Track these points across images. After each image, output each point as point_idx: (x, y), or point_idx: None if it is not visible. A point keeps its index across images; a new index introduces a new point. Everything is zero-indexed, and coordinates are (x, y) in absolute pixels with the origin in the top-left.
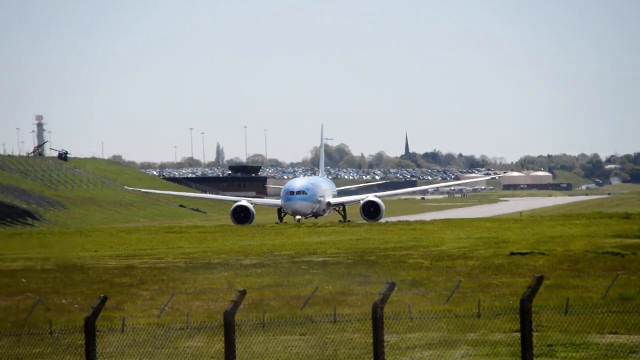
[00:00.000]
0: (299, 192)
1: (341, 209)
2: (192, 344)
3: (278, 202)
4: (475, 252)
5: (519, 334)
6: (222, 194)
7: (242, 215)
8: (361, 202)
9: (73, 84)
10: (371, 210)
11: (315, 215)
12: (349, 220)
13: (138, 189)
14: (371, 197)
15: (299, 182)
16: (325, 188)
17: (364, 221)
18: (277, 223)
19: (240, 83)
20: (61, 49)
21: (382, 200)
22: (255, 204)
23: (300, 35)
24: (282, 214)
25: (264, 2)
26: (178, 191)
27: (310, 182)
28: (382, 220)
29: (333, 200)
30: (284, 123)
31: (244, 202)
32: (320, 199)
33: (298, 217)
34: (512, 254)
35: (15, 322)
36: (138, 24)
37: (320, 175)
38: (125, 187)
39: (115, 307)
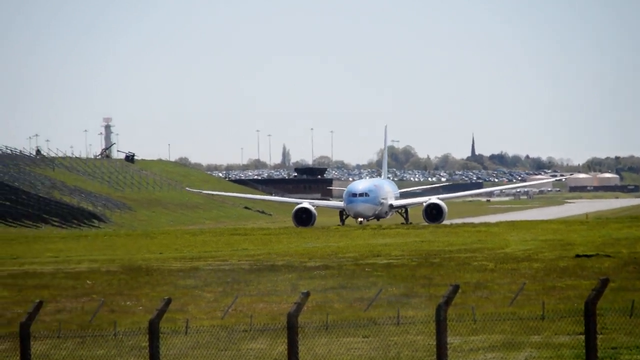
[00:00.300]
0: (361, 194)
1: (403, 211)
2: (255, 345)
3: (340, 204)
4: (540, 255)
5: (583, 337)
6: (288, 196)
7: (303, 217)
8: (424, 204)
9: (141, 86)
10: (434, 213)
11: (378, 217)
12: (410, 223)
13: (200, 191)
14: (434, 199)
15: (361, 184)
16: (387, 190)
17: (427, 223)
18: (339, 225)
19: (307, 85)
20: (130, 52)
21: (445, 203)
22: (317, 206)
23: (361, 37)
24: (344, 216)
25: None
26: (242, 193)
27: (373, 184)
28: (446, 222)
29: (395, 203)
30: (350, 125)
31: (305, 204)
32: (382, 201)
33: (360, 219)
34: (578, 256)
35: (80, 324)
36: (196, 27)
37: (383, 177)
38: (187, 188)
39: (179, 309)
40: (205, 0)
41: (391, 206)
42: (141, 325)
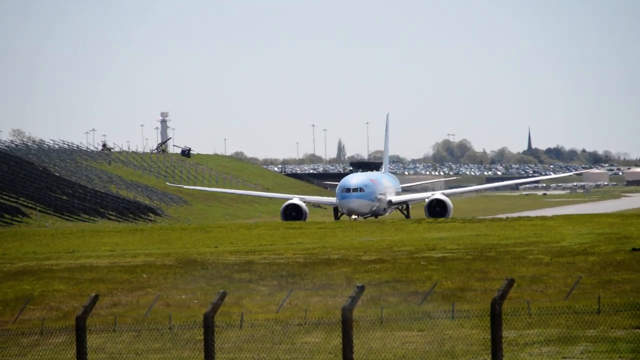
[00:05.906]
0: (355, 190)
1: (404, 207)
2: (309, 339)
3: (333, 200)
4: (597, 248)
5: (639, 331)
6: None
7: (293, 215)
8: (427, 200)
9: (197, 81)
10: (437, 210)
11: (375, 214)
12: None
13: (181, 186)
14: (438, 194)
15: (355, 179)
16: (386, 185)
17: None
18: (336, 221)
19: (362, 80)
20: (186, 47)
21: (450, 199)
22: (308, 203)
23: (417, 31)
24: (339, 214)
25: None
26: (296, 187)
27: (369, 179)
28: (501, 215)
29: (395, 199)
30: (406, 119)
31: (295, 200)
32: (380, 196)
33: (354, 216)
34: (634, 249)
35: (136, 317)
36: (253, 22)
37: (383, 170)
38: (168, 183)
39: (234, 303)
40: None
41: (390, 202)
42: (196, 319)
